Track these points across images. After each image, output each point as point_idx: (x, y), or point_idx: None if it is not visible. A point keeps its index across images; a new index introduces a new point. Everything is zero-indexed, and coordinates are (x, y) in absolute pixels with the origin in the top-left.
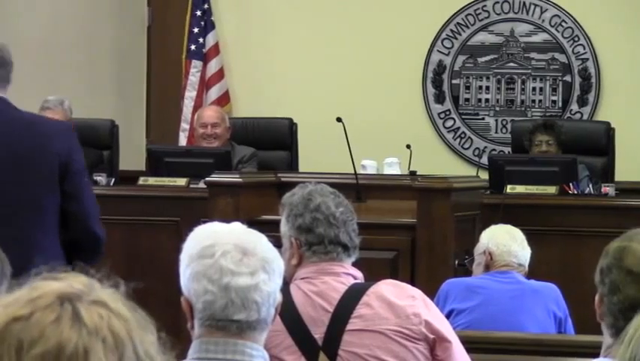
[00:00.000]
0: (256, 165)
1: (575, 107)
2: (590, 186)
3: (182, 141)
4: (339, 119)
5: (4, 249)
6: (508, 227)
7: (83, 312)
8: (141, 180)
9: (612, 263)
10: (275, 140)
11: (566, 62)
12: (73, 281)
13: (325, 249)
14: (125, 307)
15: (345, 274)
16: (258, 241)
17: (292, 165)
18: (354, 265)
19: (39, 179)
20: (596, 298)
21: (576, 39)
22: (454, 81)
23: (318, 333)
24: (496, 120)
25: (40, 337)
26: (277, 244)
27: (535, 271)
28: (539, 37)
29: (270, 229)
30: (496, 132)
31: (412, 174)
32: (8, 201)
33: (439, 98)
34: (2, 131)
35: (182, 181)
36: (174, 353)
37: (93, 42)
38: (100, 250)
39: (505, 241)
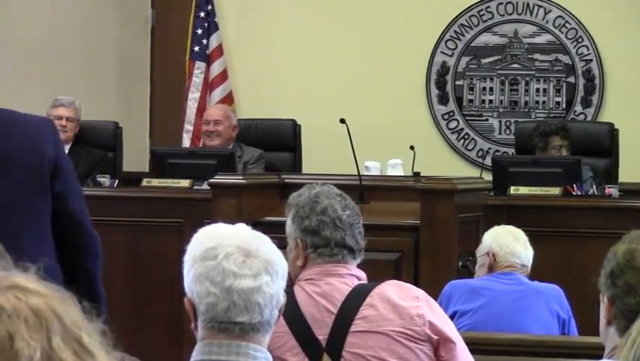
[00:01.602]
0: (263, 166)
1: (578, 108)
2: (594, 187)
3: (186, 142)
4: (342, 121)
5: None
6: (511, 228)
7: (1, 298)
8: (144, 182)
9: (624, 265)
10: (278, 141)
11: (570, 63)
12: None
13: (331, 251)
14: (41, 285)
15: (349, 275)
16: (261, 242)
17: (295, 166)
18: (358, 266)
19: (30, 181)
20: (604, 301)
21: (580, 40)
22: (457, 82)
23: (322, 334)
24: (500, 121)
25: None
26: (281, 245)
27: (539, 272)
28: (543, 39)
29: (273, 231)
30: (500, 133)
31: (416, 175)
32: None
33: (443, 100)
34: None
35: (185, 182)
36: (101, 319)
37: (96, 44)
38: (99, 251)
39: (509, 242)
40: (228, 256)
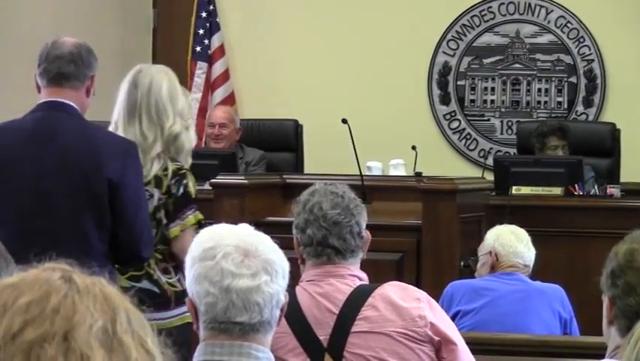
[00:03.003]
0: (265, 168)
1: (580, 108)
2: (596, 187)
3: None
4: (344, 121)
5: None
6: (514, 227)
7: (76, 277)
8: None
9: (624, 265)
10: (280, 141)
11: (572, 63)
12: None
13: (315, 251)
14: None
15: (350, 275)
16: (261, 242)
17: (297, 166)
18: (360, 266)
19: (84, 200)
20: (605, 301)
21: (581, 40)
22: (459, 82)
23: (324, 335)
24: (502, 121)
25: (29, 290)
26: (283, 245)
27: (541, 272)
28: (545, 39)
29: (275, 231)
30: (502, 133)
31: (418, 175)
32: (54, 214)
33: (445, 100)
34: (59, 142)
35: None
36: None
37: (98, 44)
38: (138, 265)
39: (511, 242)
40: (227, 255)
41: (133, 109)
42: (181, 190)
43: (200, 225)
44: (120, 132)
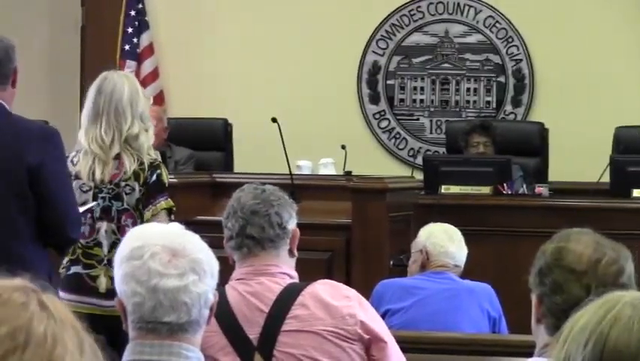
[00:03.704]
0: (194, 167)
1: (509, 107)
2: (524, 186)
3: None
4: (274, 120)
5: None
6: (447, 226)
7: (49, 303)
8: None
9: (552, 263)
10: (210, 140)
11: (500, 62)
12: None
13: (236, 243)
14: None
15: (280, 273)
16: (189, 241)
17: (227, 165)
18: None
19: (5, 188)
20: (533, 299)
21: (510, 40)
22: (388, 82)
23: (254, 334)
24: (431, 121)
25: (10, 316)
26: (212, 244)
27: (470, 271)
28: (474, 38)
29: (205, 230)
30: (431, 133)
31: (347, 174)
32: None
33: (374, 99)
34: None
35: None
36: None
37: (26, 42)
38: (70, 247)
39: (443, 242)
40: (154, 255)
41: (96, 114)
42: (154, 178)
43: (171, 211)
44: (82, 134)
